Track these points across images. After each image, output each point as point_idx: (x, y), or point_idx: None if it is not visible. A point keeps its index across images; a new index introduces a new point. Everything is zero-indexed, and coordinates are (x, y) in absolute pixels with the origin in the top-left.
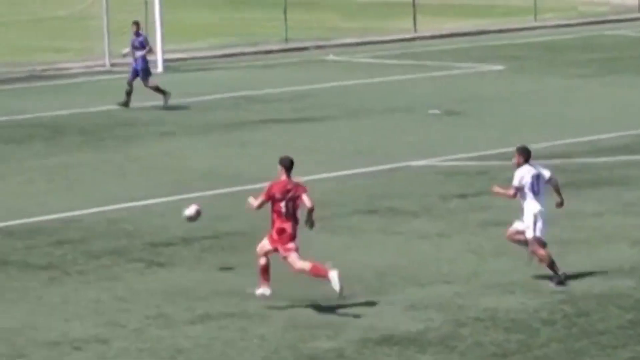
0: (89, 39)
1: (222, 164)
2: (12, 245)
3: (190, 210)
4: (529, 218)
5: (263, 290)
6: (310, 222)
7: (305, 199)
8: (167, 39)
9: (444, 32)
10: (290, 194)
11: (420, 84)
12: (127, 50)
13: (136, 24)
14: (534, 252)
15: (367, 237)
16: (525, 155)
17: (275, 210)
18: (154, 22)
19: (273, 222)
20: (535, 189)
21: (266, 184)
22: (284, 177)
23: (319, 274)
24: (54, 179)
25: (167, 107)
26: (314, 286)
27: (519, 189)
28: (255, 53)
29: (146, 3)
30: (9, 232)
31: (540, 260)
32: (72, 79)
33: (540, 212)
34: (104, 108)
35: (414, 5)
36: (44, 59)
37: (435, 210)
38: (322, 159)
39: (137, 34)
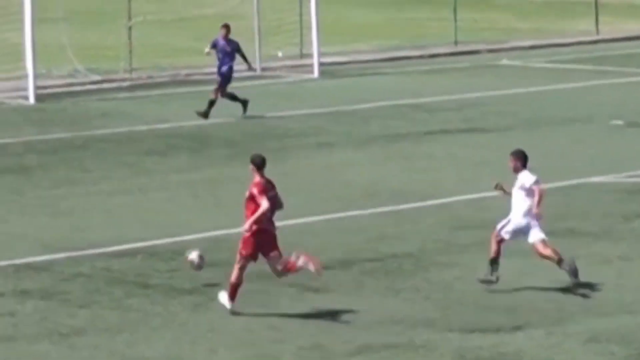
0: (239, 40)
1: (383, 178)
2: (155, 267)
3: (192, 255)
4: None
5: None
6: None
7: (278, 197)
8: (324, 41)
9: (629, 34)
10: (271, 193)
11: (602, 91)
12: (208, 49)
13: (226, 27)
14: (545, 257)
15: (543, 262)
16: (523, 160)
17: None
18: (309, 22)
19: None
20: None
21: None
22: (258, 177)
23: (293, 269)
24: (199, 195)
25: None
26: (484, 315)
27: (539, 182)
28: (421, 57)
29: (300, 1)
30: (151, 253)
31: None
32: None
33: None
34: (254, 117)
35: (596, 5)
36: (189, 62)
37: (617, 232)
38: (493, 173)
39: (229, 39)
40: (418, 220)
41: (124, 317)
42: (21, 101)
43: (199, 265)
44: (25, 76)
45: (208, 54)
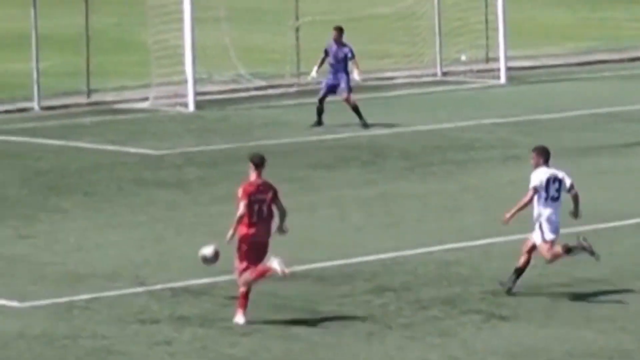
0: (417, 42)
1: None
2: (323, 292)
3: (208, 250)
4: (537, 226)
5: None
6: (281, 228)
7: (278, 202)
8: (511, 43)
9: None
10: (260, 196)
11: None
12: (314, 73)
13: (339, 30)
14: (554, 256)
15: None
16: (545, 156)
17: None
18: (495, 22)
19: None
20: (551, 193)
21: None
22: (254, 176)
23: (264, 274)
24: (373, 212)
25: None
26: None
27: (537, 190)
28: (619, 61)
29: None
30: (319, 277)
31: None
32: (395, 90)
33: (549, 219)
34: (434, 127)
35: None
36: (362, 66)
37: None
38: None
39: (342, 43)
40: (615, 241)
41: (290, 348)
42: (180, 108)
43: (209, 261)
44: (185, 81)
45: (314, 77)
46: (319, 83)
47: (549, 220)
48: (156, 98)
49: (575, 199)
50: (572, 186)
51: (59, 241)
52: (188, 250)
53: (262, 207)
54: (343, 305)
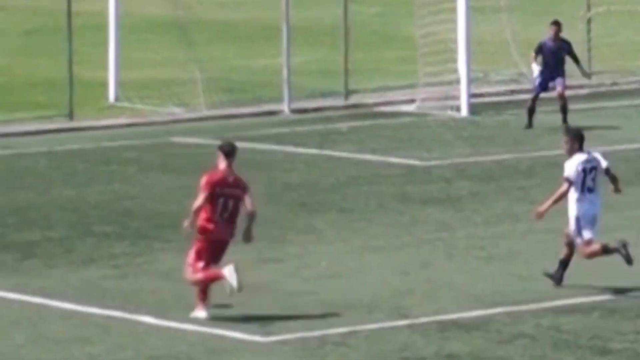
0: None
1: None
2: (616, 327)
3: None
4: (573, 222)
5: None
6: (248, 233)
7: (247, 201)
8: None
9: None
10: (228, 190)
11: None
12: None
13: (557, 24)
14: (591, 254)
15: None
16: (580, 141)
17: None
18: None
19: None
20: (588, 184)
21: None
22: (223, 165)
23: (214, 279)
24: None
25: None
26: None
27: (572, 182)
28: None
29: None
30: (611, 310)
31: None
32: None
33: (585, 215)
34: None
35: None
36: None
37: None
38: None
39: (561, 39)
40: None
41: None
42: (451, 113)
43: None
44: (457, 81)
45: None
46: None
47: (585, 216)
48: (424, 100)
49: (614, 180)
50: (608, 169)
51: (310, 266)
52: (459, 278)
53: (228, 203)
54: (638, 342)
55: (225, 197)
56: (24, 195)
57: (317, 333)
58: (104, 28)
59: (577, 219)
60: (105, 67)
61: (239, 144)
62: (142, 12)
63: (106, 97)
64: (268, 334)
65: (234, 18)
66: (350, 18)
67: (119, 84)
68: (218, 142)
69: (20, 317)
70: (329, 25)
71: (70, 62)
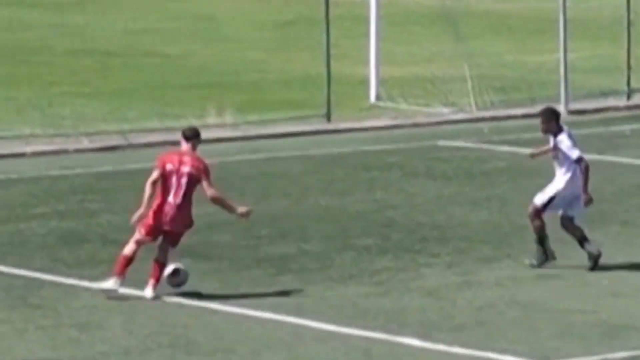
0: None
1: None
2: None
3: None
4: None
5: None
6: (241, 214)
7: (206, 186)
8: None
9: None
10: (183, 168)
11: None
12: None
13: None
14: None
15: None
16: (556, 116)
17: (162, 188)
18: None
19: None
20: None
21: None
22: (183, 147)
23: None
24: None
25: None
26: None
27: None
28: None
29: None
30: None
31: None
32: None
33: (567, 195)
34: None
35: None
36: None
37: None
38: None
39: None
40: None
41: None
42: None
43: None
44: None
45: None
46: None
47: (566, 196)
48: None
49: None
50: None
51: (590, 284)
52: None
53: (181, 182)
54: None
55: (178, 176)
56: (278, 204)
57: (597, 357)
58: (364, 19)
59: (556, 196)
60: (365, 62)
61: (508, 149)
62: (406, 2)
63: (367, 96)
64: (546, 358)
65: (507, 9)
66: (633, 9)
67: (381, 82)
68: (490, 147)
69: (274, 339)
70: (610, 18)
71: (328, 57)
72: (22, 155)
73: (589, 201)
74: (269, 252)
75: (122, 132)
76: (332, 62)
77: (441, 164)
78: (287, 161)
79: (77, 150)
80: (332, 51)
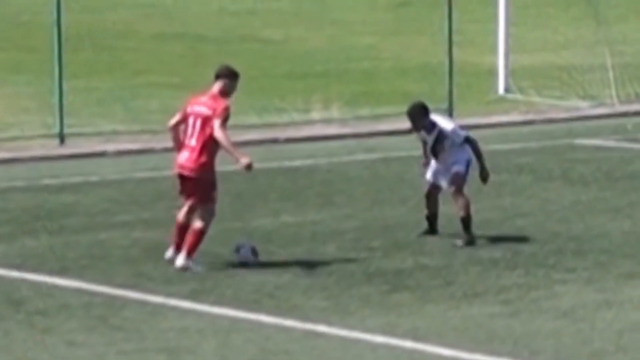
0: None
1: None
2: None
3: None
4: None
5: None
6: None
7: (214, 124)
8: None
9: None
10: (198, 109)
11: None
12: None
13: None
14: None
15: None
16: (426, 114)
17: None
18: None
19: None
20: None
21: None
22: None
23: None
24: None
25: None
26: None
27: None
28: None
29: None
30: None
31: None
32: None
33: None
34: None
35: None
36: None
37: None
38: None
39: None
40: None
41: None
42: None
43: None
44: None
45: None
46: None
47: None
48: None
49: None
50: None
51: None
52: None
53: (195, 124)
54: None
55: (194, 116)
56: (393, 211)
57: None
58: (491, 1)
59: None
60: (493, 50)
61: None
62: None
63: (494, 88)
64: None
65: None
66: None
67: (510, 72)
68: (634, 146)
69: None
70: None
71: (450, 43)
72: (102, 154)
73: (487, 177)
74: (382, 266)
75: None
76: (454, 49)
77: (579, 166)
78: (403, 162)
79: (165, 149)
80: (455, 37)
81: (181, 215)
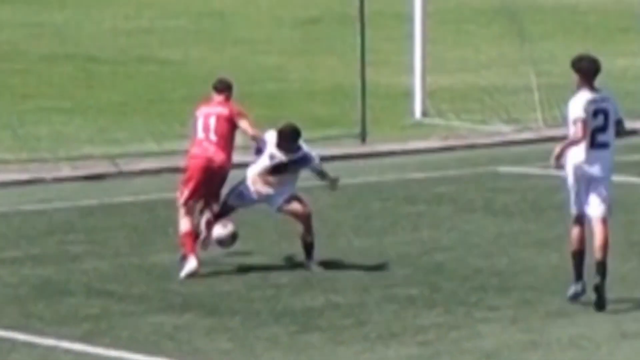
0: None
1: None
2: None
3: (227, 229)
4: None
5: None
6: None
7: (246, 126)
8: None
9: None
10: (211, 109)
11: None
12: None
13: None
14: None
15: None
16: (295, 137)
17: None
18: None
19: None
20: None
21: None
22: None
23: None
24: None
25: None
26: None
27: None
28: None
29: None
30: None
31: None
32: None
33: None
34: None
35: None
36: None
37: None
38: None
39: None
40: None
41: None
42: None
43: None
44: None
45: None
46: None
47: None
48: None
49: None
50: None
51: None
52: None
53: (209, 121)
54: None
55: (206, 117)
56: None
57: None
58: (406, 17)
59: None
60: (409, 70)
61: None
62: None
63: (410, 112)
64: None
65: (581, 3)
66: None
67: (428, 94)
68: (562, 174)
69: None
70: None
71: (363, 63)
72: None
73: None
74: (290, 305)
75: (110, 157)
76: (367, 70)
77: (502, 196)
78: (312, 192)
79: (56, 180)
80: (368, 56)
81: (191, 223)
